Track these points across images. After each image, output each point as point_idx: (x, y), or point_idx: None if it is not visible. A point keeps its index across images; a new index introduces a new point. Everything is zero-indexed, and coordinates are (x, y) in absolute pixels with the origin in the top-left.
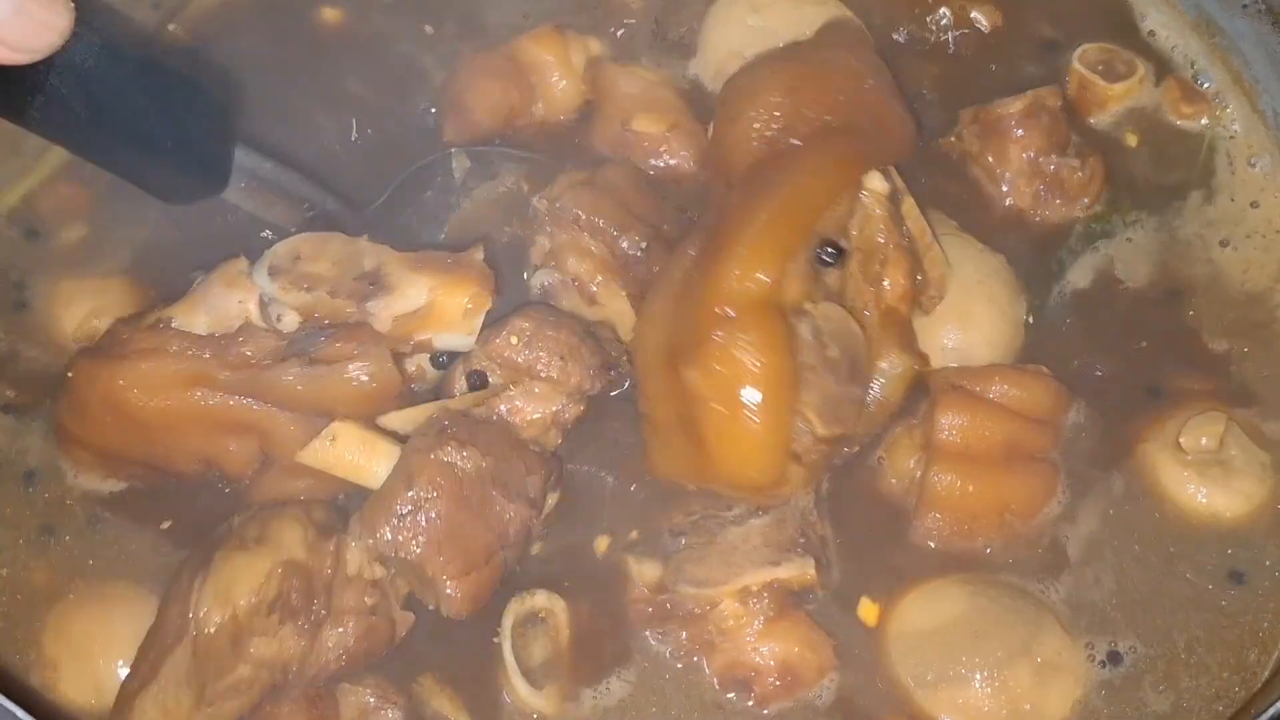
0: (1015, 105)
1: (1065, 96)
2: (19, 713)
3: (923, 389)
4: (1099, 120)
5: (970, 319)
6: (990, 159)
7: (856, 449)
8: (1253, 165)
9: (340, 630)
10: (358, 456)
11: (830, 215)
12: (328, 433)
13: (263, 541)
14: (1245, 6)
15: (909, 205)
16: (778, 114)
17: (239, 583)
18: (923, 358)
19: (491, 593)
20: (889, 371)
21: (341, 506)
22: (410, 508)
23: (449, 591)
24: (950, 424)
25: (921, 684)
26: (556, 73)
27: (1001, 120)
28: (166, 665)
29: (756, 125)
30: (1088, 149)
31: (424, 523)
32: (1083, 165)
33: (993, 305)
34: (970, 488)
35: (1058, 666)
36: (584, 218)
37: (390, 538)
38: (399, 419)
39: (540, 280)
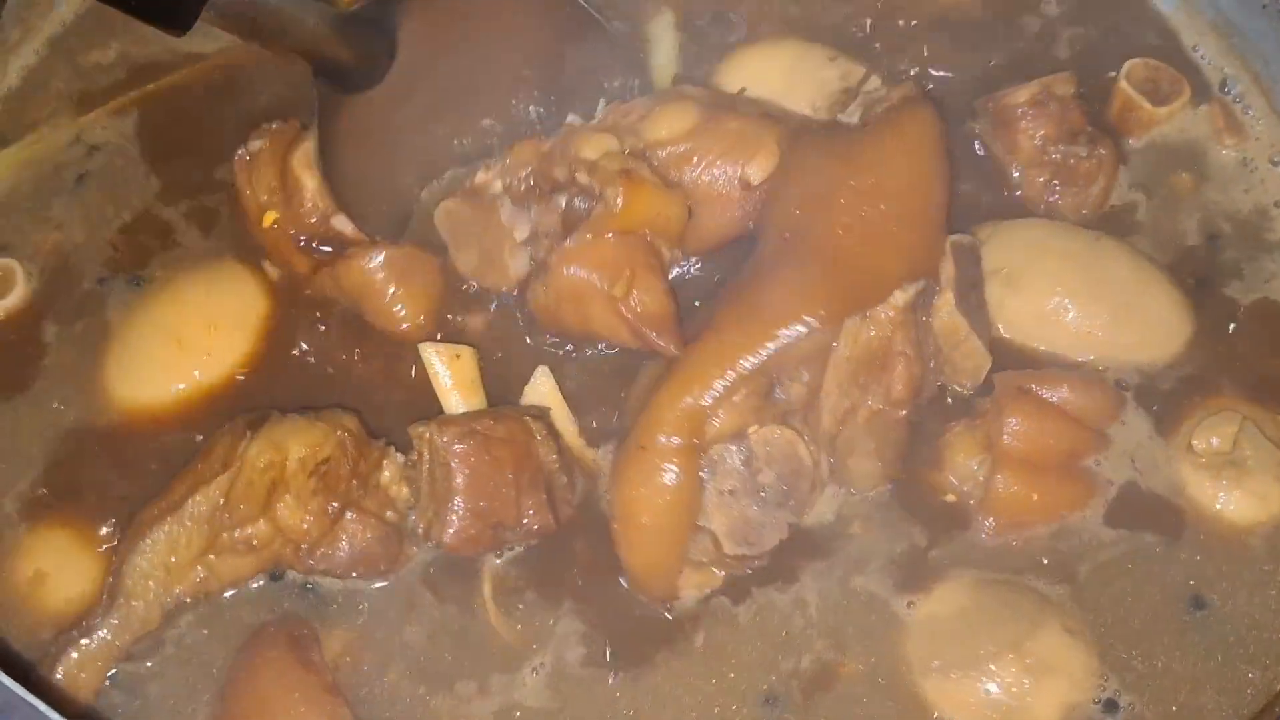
0: (1022, 94)
1: (1108, 113)
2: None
3: (987, 387)
4: (1137, 141)
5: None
6: (1001, 147)
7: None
8: (1275, 164)
9: (357, 525)
10: (461, 381)
11: (798, 350)
12: (457, 349)
13: (321, 417)
14: (1265, 7)
15: (944, 302)
16: (798, 215)
17: (298, 435)
18: (894, 468)
19: (477, 553)
20: (856, 471)
21: None
22: (484, 436)
23: (453, 520)
24: (1017, 428)
25: (925, 671)
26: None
27: (1010, 109)
28: (197, 496)
29: (781, 217)
30: (1099, 137)
31: (485, 452)
32: (1091, 153)
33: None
34: (1034, 496)
35: (1050, 666)
36: None
37: (453, 443)
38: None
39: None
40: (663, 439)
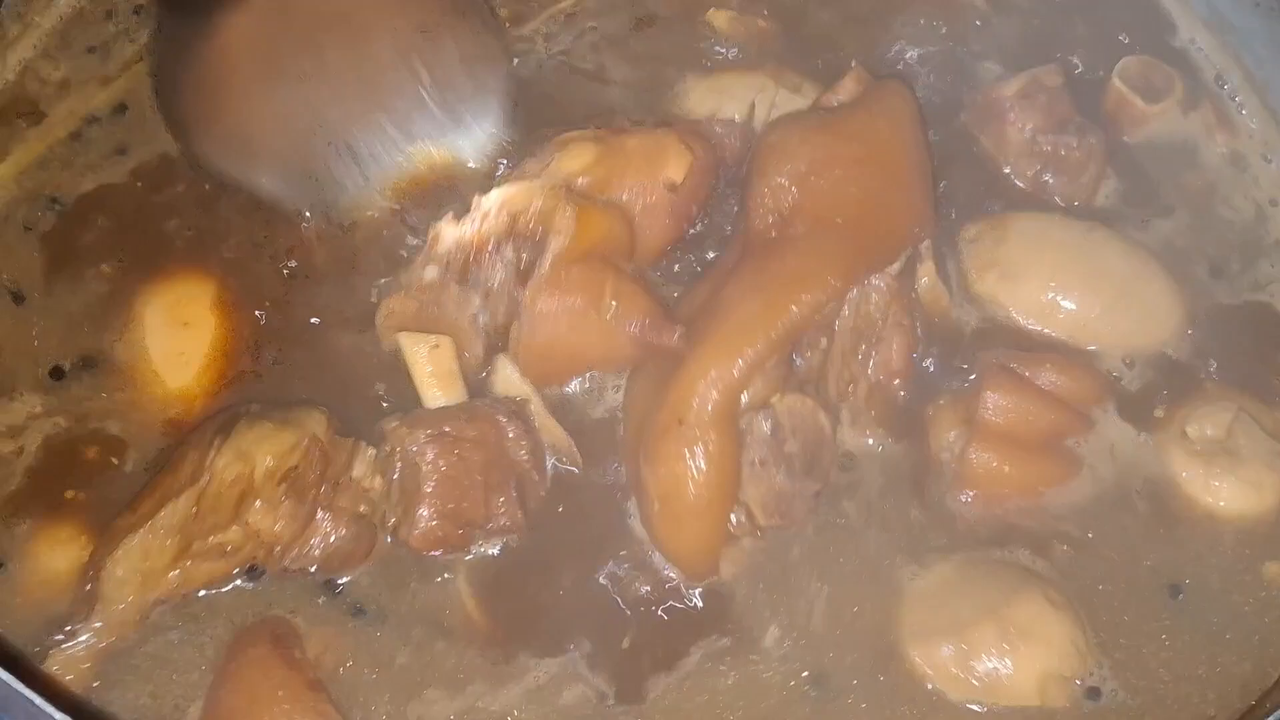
0: (1011, 87)
1: (1101, 109)
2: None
3: (972, 364)
4: (1130, 137)
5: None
6: (991, 140)
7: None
8: (1268, 162)
9: (330, 524)
10: (439, 372)
11: (821, 315)
12: (436, 339)
13: (289, 422)
14: (1258, 4)
15: (926, 270)
16: (795, 191)
17: (265, 443)
18: (893, 435)
19: (444, 552)
20: (869, 443)
21: None
22: (454, 438)
23: (420, 521)
24: (996, 404)
25: (914, 642)
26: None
27: (998, 102)
28: (166, 510)
29: (772, 197)
30: (1088, 126)
31: (455, 453)
32: (1081, 142)
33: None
34: (1007, 469)
35: (1029, 633)
36: None
37: (423, 446)
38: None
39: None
40: (700, 411)
